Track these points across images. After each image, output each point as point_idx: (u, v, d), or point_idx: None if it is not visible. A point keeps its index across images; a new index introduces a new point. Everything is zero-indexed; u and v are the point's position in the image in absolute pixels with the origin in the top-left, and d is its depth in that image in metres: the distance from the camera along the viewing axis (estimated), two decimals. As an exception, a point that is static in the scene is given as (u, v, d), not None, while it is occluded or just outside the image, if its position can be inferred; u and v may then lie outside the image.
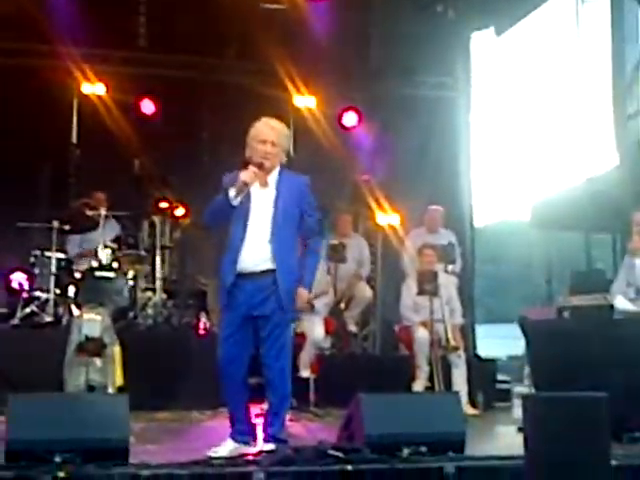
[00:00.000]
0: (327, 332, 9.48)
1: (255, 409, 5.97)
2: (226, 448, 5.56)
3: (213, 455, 5.36)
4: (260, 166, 5.60)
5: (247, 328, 5.64)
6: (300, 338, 8.88)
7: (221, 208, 5.64)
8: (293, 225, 5.71)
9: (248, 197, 5.62)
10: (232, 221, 5.66)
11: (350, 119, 12.01)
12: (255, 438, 5.73)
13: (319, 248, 6.02)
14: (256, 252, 5.57)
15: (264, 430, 5.67)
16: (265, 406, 7.98)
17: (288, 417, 6.65)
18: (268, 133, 5.69)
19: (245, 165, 5.68)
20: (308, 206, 5.77)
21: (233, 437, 5.66)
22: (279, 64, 11.41)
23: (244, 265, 5.58)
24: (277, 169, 5.73)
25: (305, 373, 8.92)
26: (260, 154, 5.63)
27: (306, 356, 8.98)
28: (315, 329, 9.08)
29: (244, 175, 5.55)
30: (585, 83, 11.02)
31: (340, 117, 11.96)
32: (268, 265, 5.59)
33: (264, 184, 5.65)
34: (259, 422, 5.82)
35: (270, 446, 5.41)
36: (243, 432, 5.68)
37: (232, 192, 5.54)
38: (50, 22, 10.41)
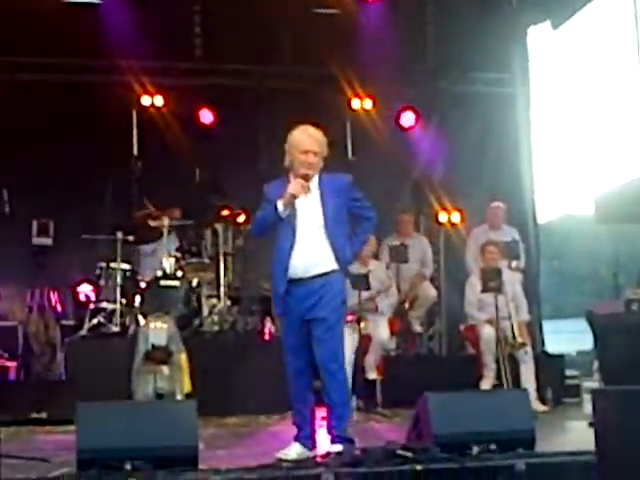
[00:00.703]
0: (392, 333, 9.46)
1: (320, 412, 5.97)
2: (294, 451, 5.58)
3: (282, 457, 5.38)
4: (305, 177, 5.63)
5: (304, 332, 5.69)
6: (366, 340, 8.88)
7: (269, 221, 5.69)
8: (344, 223, 5.76)
9: (292, 205, 5.65)
10: (278, 230, 5.70)
11: (408, 119, 11.98)
12: (315, 446, 5.75)
13: (369, 229, 6.02)
14: (307, 258, 5.61)
15: (329, 432, 5.68)
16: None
17: (355, 418, 6.67)
18: (310, 143, 5.69)
19: (286, 172, 5.72)
20: (355, 200, 5.79)
21: (299, 440, 5.68)
22: (334, 67, 11.43)
23: (295, 272, 5.61)
24: (316, 176, 5.74)
25: (372, 375, 8.91)
26: (304, 165, 5.65)
27: (372, 358, 8.97)
28: (380, 331, 9.08)
29: (292, 189, 5.59)
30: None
31: (398, 117, 11.94)
32: (319, 269, 5.63)
33: (307, 191, 5.66)
34: (323, 425, 5.83)
35: (338, 447, 5.41)
36: (308, 436, 5.71)
37: (280, 205, 5.59)
38: (107, 37, 10.54)
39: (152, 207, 9.92)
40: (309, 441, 5.71)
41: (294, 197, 5.59)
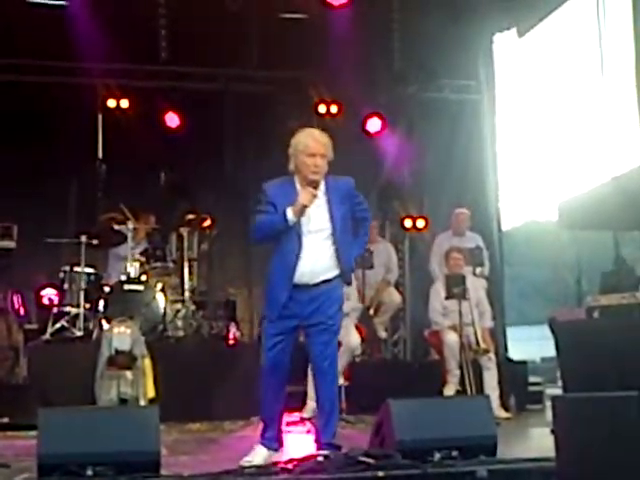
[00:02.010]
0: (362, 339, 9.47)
1: (287, 417, 5.99)
2: (259, 456, 5.57)
3: (246, 464, 5.36)
4: (314, 184, 5.59)
5: (293, 336, 5.71)
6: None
7: (276, 228, 5.60)
8: (349, 231, 5.77)
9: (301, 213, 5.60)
10: (282, 236, 5.62)
11: (374, 125, 12.01)
12: (282, 445, 5.77)
13: (367, 232, 6.05)
14: (314, 265, 5.58)
15: (318, 437, 5.69)
16: (306, 414, 8.05)
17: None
18: (317, 147, 5.60)
19: (292, 174, 5.68)
20: (357, 204, 5.79)
21: (264, 444, 5.69)
22: (301, 72, 11.46)
23: (301, 278, 5.57)
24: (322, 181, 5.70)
25: (339, 381, 8.90)
26: (311, 168, 5.57)
27: (340, 363, 8.94)
28: (351, 337, 9.03)
29: (304, 199, 5.50)
30: (608, 81, 10.94)
31: (364, 123, 11.96)
32: (326, 276, 5.62)
33: (315, 198, 5.61)
34: (290, 430, 5.84)
35: (324, 453, 5.42)
36: (273, 439, 5.71)
37: (291, 215, 5.51)
38: (72, 39, 10.49)
39: (128, 213, 9.85)
40: (274, 442, 5.71)
41: (305, 207, 5.53)
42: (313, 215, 5.60)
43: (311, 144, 5.62)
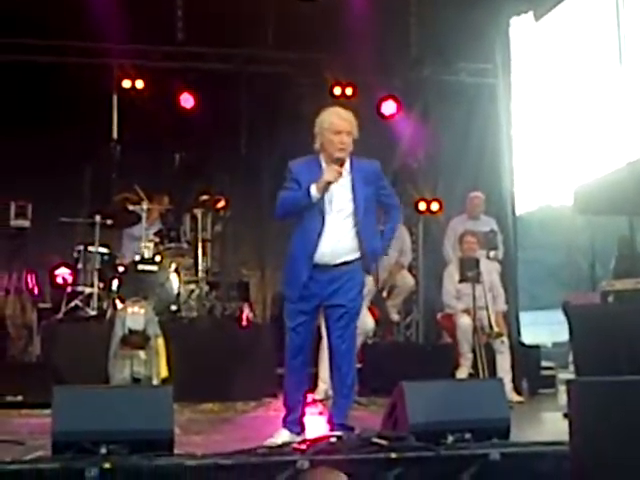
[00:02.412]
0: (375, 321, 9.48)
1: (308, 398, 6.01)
2: (281, 438, 5.57)
3: (269, 445, 5.35)
4: (340, 162, 5.57)
5: (315, 317, 5.74)
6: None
7: (299, 205, 5.58)
8: (373, 213, 5.74)
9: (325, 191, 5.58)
10: (304, 213, 5.61)
11: (389, 107, 11.98)
12: (304, 429, 5.77)
13: (398, 220, 6.11)
14: (336, 245, 5.57)
15: (332, 418, 5.70)
16: (318, 395, 8.06)
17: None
18: (343, 124, 5.60)
19: (318, 154, 5.66)
20: (383, 188, 5.77)
21: (286, 425, 5.70)
22: (317, 53, 11.42)
23: (322, 258, 5.56)
24: (347, 159, 5.68)
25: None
26: (337, 145, 5.56)
27: (354, 345, 8.97)
28: (366, 319, 9.02)
29: (329, 175, 5.50)
30: (626, 65, 10.87)
31: (379, 106, 11.93)
32: (347, 257, 5.61)
33: (340, 176, 5.59)
34: (312, 412, 5.85)
35: (337, 433, 5.42)
36: (295, 422, 5.72)
37: (314, 191, 5.50)
38: (88, 19, 10.46)
39: (142, 194, 9.86)
40: (297, 426, 5.71)
41: (330, 184, 5.51)
42: (336, 194, 5.58)
43: (337, 121, 5.61)
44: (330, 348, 5.76)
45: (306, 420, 5.85)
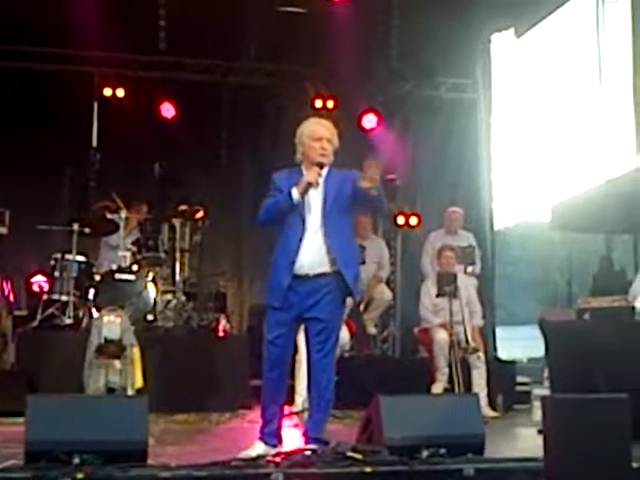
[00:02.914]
0: (351, 334, 9.47)
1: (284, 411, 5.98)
2: (256, 450, 5.53)
3: (243, 458, 5.33)
4: (321, 165, 5.60)
5: (293, 330, 5.71)
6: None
7: (281, 207, 5.60)
8: (348, 218, 5.74)
9: (306, 195, 5.59)
10: (286, 220, 5.63)
11: (370, 121, 12.01)
12: (281, 441, 5.73)
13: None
14: (313, 254, 5.57)
15: (307, 431, 5.68)
16: (295, 408, 8.02)
17: (305, 419, 6.67)
18: (323, 131, 5.68)
19: (300, 165, 5.68)
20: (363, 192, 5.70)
21: (263, 439, 5.66)
22: (298, 66, 11.45)
23: (301, 267, 5.57)
24: (326, 168, 5.69)
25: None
26: (318, 151, 5.61)
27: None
28: (341, 332, 9.00)
29: (309, 176, 5.53)
30: (605, 83, 10.97)
31: (360, 119, 11.96)
32: (324, 268, 5.59)
33: (318, 185, 5.60)
34: (288, 424, 5.81)
35: (313, 447, 5.42)
36: (273, 434, 5.68)
37: (295, 193, 5.52)
38: (71, 27, 10.44)
39: (120, 202, 9.82)
40: (274, 438, 5.67)
41: (310, 185, 5.53)
42: (313, 204, 5.61)
43: (317, 128, 5.69)
44: (309, 361, 5.74)
45: (283, 433, 5.83)
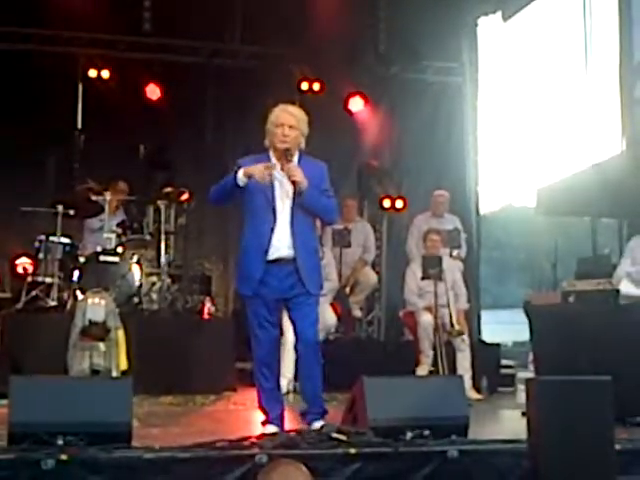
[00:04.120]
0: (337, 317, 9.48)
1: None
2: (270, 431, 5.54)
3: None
4: (286, 153, 5.59)
5: (278, 310, 5.72)
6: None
7: (226, 186, 5.65)
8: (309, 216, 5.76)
9: (272, 183, 5.59)
10: (254, 207, 5.63)
11: (356, 104, 12.00)
12: (284, 420, 5.75)
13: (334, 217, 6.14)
14: (283, 238, 5.59)
15: (309, 409, 5.68)
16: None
17: (291, 401, 6.70)
18: (285, 117, 5.68)
19: (266, 151, 5.71)
20: (325, 190, 5.77)
21: (273, 422, 5.66)
22: (284, 48, 11.40)
23: (274, 251, 5.58)
24: (296, 155, 5.69)
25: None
26: (279, 137, 5.63)
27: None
28: (327, 315, 9.04)
29: (254, 170, 5.54)
30: (592, 67, 10.96)
31: (346, 102, 11.94)
32: (292, 251, 5.61)
33: (269, 179, 5.58)
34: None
35: (320, 423, 5.46)
36: (278, 416, 5.70)
37: (241, 174, 5.54)
38: (55, 7, 10.37)
39: (94, 185, 9.77)
40: (280, 422, 5.69)
41: (250, 177, 5.53)
42: (283, 189, 5.63)
43: (280, 114, 5.71)
44: (297, 341, 5.72)
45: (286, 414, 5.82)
